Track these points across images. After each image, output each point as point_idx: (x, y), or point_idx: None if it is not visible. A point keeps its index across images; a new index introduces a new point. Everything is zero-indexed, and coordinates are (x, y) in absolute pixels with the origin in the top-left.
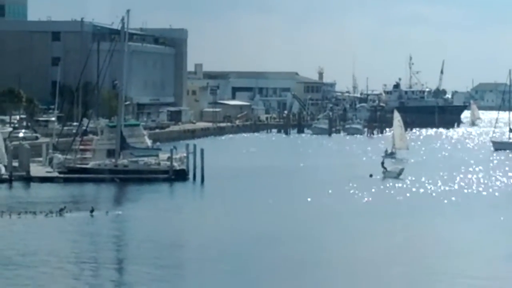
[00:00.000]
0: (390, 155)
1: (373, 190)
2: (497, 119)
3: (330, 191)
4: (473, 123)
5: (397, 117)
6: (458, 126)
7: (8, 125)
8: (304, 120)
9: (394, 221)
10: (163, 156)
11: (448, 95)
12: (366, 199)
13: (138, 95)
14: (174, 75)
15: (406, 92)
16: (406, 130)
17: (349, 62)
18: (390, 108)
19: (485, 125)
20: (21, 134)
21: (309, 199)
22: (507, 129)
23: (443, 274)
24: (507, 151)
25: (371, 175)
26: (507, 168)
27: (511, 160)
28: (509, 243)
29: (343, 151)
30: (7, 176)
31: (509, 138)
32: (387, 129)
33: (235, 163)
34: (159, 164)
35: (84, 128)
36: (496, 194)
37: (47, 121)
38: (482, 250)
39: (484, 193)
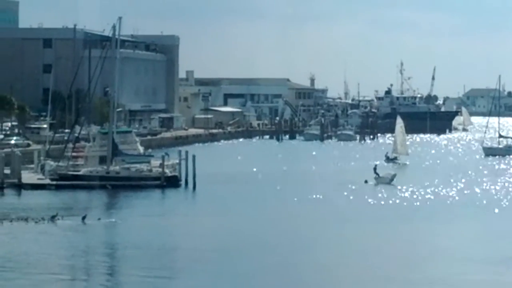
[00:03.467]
0: (393, 160)
1: (366, 195)
2: (487, 125)
3: (318, 196)
4: (464, 129)
5: (399, 123)
6: (449, 132)
7: None
8: (296, 126)
9: (384, 225)
10: (155, 162)
11: (440, 101)
12: (353, 203)
13: (129, 101)
14: (166, 81)
15: (397, 98)
16: None
17: (341, 68)
18: (381, 114)
19: (476, 131)
20: (12, 141)
21: (301, 204)
22: (497, 134)
23: (438, 279)
24: (497, 156)
25: (366, 181)
26: (497, 174)
27: (501, 166)
28: (501, 247)
29: (336, 157)
30: None
31: (499, 144)
32: (379, 135)
33: (227, 169)
34: (151, 170)
35: (76, 135)
36: (486, 198)
37: (38, 128)
38: (473, 254)
39: (475, 197)
